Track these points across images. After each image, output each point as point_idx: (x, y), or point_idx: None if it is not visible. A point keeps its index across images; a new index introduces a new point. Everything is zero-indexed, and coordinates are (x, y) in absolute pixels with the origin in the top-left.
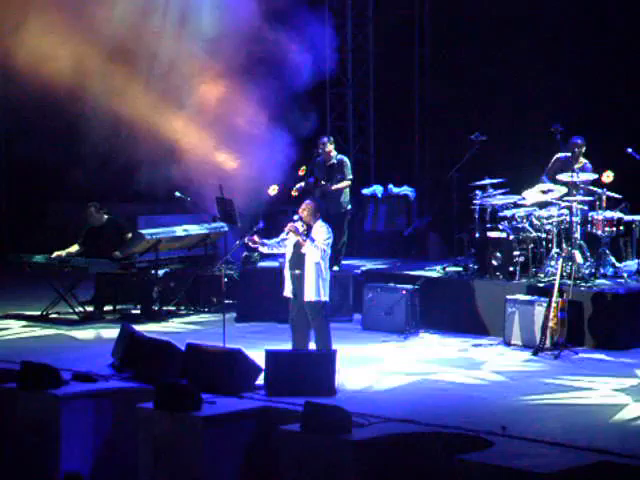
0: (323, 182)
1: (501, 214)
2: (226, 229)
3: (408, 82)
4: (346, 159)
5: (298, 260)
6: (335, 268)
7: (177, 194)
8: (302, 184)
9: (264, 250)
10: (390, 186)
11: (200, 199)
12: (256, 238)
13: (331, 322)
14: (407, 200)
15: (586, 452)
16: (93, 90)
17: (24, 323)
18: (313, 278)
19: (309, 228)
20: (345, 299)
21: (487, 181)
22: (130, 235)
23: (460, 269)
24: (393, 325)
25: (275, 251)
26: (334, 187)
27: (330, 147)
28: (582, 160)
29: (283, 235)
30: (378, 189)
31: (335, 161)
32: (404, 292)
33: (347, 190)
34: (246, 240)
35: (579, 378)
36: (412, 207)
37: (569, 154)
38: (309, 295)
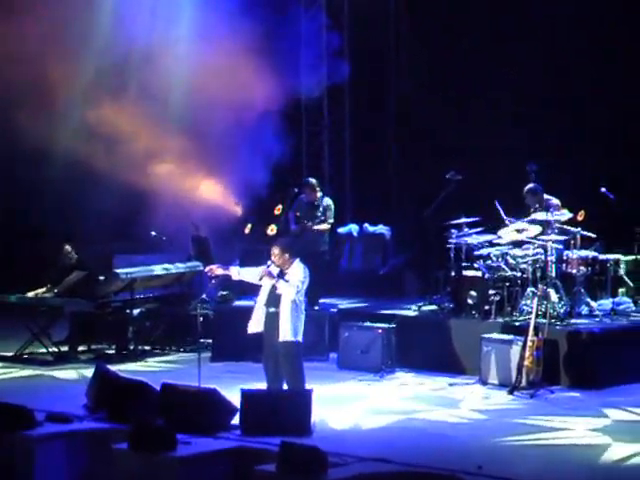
0: (306, 221)
1: (476, 253)
2: (201, 268)
3: (383, 121)
4: (331, 203)
5: (274, 298)
6: (315, 308)
7: (153, 233)
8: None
9: (234, 274)
10: (366, 225)
11: (175, 238)
12: (214, 267)
13: (307, 361)
14: (383, 239)
15: None
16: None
17: None
18: (288, 316)
19: (282, 272)
20: (321, 338)
21: (462, 220)
22: (102, 277)
23: (436, 308)
24: (369, 364)
25: (247, 278)
26: (315, 227)
27: (317, 189)
28: (548, 197)
29: (257, 278)
30: (354, 228)
31: (320, 203)
32: (380, 331)
33: (327, 232)
34: (207, 271)
35: (555, 418)
36: (388, 246)
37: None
38: (284, 335)
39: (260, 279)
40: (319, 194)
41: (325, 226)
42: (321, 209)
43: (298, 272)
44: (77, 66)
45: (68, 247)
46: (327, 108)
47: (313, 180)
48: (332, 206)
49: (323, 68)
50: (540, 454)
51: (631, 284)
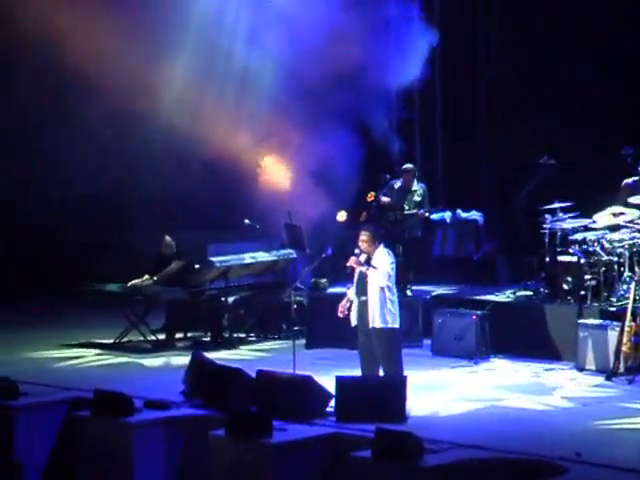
0: (406, 207)
1: (571, 238)
2: (295, 255)
3: (475, 106)
4: (426, 189)
5: (363, 286)
6: (408, 294)
7: (246, 221)
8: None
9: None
10: (458, 211)
11: (269, 226)
12: (354, 262)
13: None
14: (476, 225)
15: None
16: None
17: (97, 351)
18: (378, 304)
19: (370, 257)
20: (414, 324)
21: (556, 205)
22: (198, 265)
23: (530, 293)
24: (463, 350)
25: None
26: (420, 213)
27: (414, 176)
28: None
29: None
30: (446, 214)
31: (417, 188)
32: (474, 317)
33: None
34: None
35: None
36: (480, 232)
37: (636, 178)
38: (374, 322)
39: (349, 266)
40: (415, 180)
41: (430, 214)
42: (418, 195)
43: (384, 258)
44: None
45: (168, 237)
46: (418, 94)
47: (412, 166)
48: (427, 192)
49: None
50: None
51: None
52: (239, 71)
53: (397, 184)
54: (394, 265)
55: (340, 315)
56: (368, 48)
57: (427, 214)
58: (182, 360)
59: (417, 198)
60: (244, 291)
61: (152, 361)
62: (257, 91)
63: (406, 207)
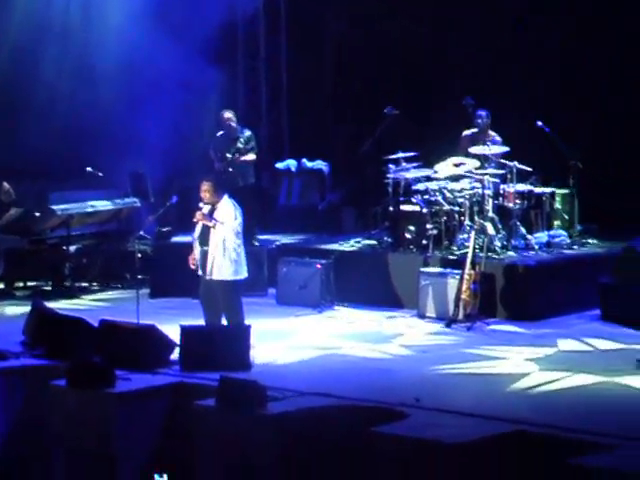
0: (229, 155)
1: (414, 187)
2: (139, 204)
3: (322, 54)
4: (251, 133)
5: (206, 236)
6: (255, 243)
7: (89, 169)
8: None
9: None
10: (304, 160)
11: (113, 174)
12: (200, 216)
13: (246, 297)
14: (321, 174)
15: (499, 422)
16: None
17: None
18: (219, 255)
19: (214, 208)
20: (260, 274)
21: (400, 155)
22: (38, 214)
23: (374, 243)
24: (308, 299)
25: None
26: (242, 158)
27: (233, 121)
28: (491, 133)
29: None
30: (292, 163)
31: (240, 134)
32: (319, 266)
33: (253, 163)
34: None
35: (491, 349)
36: (326, 181)
37: (475, 129)
38: (215, 272)
39: (196, 222)
40: (237, 126)
41: (252, 156)
42: (242, 140)
43: (229, 209)
44: None
45: (6, 184)
46: (264, 40)
47: (228, 111)
48: (253, 136)
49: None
50: (477, 384)
51: (566, 216)
52: None
53: (220, 133)
54: (240, 216)
55: (192, 267)
56: None
57: (240, 158)
58: (22, 310)
59: (240, 145)
60: (87, 240)
61: None
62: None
63: (228, 156)
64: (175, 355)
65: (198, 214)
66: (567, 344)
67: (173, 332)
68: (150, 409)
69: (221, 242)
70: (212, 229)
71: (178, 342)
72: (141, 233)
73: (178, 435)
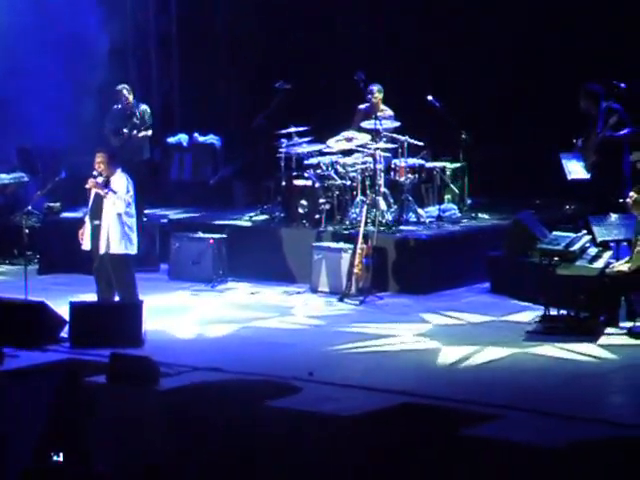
0: (126, 130)
1: (307, 162)
2: (26, 179)
3: (214, 27)
4: (147, 107)
5: (98, 210)
6: (144, 219)
7: None
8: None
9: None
10: (195, 135)
11: None
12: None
13: (138, 272)
14: (213, 149)
15: (390, 394)
16: None
17: None
18: (113, 229)
19: (108, 180)
20: (152, 249)
21: (292, 129)
22: None
23: (267, 217)
24: (201, 274)
25: None
26: (141, 134)
27: (129, 96)
28: (383, 108)
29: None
30: (183, 138)
31: (136, 109)
32: (211, 241)
33: (147, 139)
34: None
35: (384, 325)
36: (218, 156)
37: (368, 104)
38: (108, 247)
39: (89, 190)
40: (132, 101)
41: (150, 132)
42: (138, 115)
43: (123, 182)
44: None
45: None
46: (154, 8)
47: (124, 86)
48: (149, 110)
49: None
50: (370, 359)
51: (456, 191)
52: None
53: (116, 106)
54: (132, 191)
55: (81, 242)
56: None
57: (139, 134)
58: None
59: (136, 120)
60: None
61: None
62: None
63: (125, 131)
64: (65, 332)
65: (91, 181)
66: (453, 318)
67: (63, 309)
68: (41, 386)
69: (113, 216)
70: (105, 202)
71: (68, 318)
72: (29, 208)
73: (69, 411)
